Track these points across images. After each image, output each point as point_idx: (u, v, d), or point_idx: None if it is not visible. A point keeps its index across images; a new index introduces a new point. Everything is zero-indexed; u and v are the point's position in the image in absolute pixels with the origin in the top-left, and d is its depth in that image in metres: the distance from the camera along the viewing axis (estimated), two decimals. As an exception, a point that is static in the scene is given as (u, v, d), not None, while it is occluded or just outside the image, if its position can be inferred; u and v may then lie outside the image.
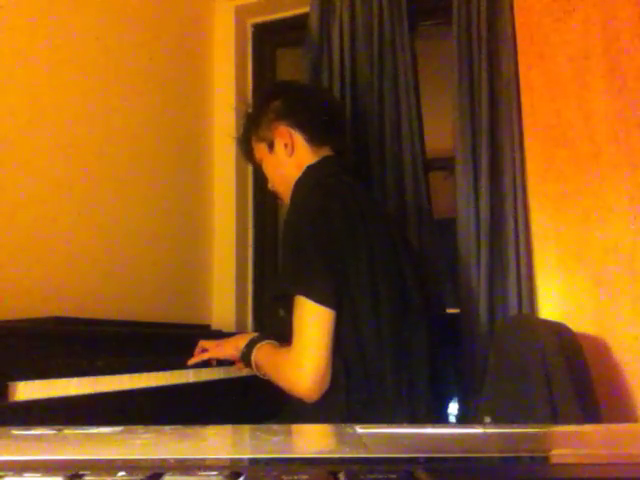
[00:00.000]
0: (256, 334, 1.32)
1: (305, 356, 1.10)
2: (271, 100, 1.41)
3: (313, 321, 1.11)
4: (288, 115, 1.37)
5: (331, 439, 0.55)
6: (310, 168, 1.33)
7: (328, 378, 1.11)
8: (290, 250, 1.21)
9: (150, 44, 1.78)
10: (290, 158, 1.36)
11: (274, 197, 1.50)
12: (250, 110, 1.47)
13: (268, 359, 1.23)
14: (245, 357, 1.27)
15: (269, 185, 1.46)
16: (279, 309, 1.29)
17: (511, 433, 0.54)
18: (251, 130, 1.44)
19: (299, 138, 1.36)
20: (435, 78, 1.95)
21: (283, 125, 1.36)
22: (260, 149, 1.42)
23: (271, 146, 1.38)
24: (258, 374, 1.26)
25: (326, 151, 1.37)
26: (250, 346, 1.27)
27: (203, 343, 1.36)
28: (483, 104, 1.68)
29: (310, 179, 1.30)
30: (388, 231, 1.30)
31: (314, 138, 1.36)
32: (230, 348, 1.32)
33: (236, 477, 0.32)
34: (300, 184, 1.31)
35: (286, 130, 1.36)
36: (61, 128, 1.44)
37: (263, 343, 1.27)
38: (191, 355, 1.33)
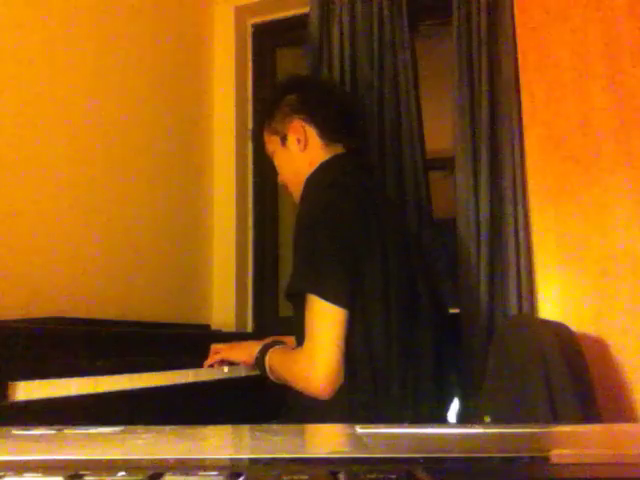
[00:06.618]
0: (269, 340, 1.32)
1: (317, 354, 1.10)
2: (287, 93, 1.39)
3: (326, 320, 1.11)
4: (303, 110, 1.35)
5: (331, 439, 0.55)
6: (323, 165, 1.31)
7: (341, 376, 1.11)
8: (303, 248, 1.19)
9: (150, 45, 1.78)
10: (302, 153, 1.34)
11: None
12: (265, 101, 1.45)
13: (281, 361, 1.24)
14: (259, 362, 1.27)
15: (279, 179, 1.45)
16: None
17: (511, 433, 0.54)
18: (264, 122, 1.42)
19: (313, 134, 1.34)
20: (435, 78, 1.95)
21: (297, 119, 1.34)
22: (272, 142, 1.40)
23: (284, 140, 1.36)
24: (273, 378, 1.26)
25: (339, 149, 1.35)
26: (263, 351, 1.27)
27: (216, 346, 1.37)
28: (483, 104, 1.68)
29: (323, 177, 1.28)
30: (402, 231, 1.29)
31: (328, 135, 1.34)
32: (243, 353, 1.33)
33: (236, 477, 0.32)
34: (313, 182, 1.29)
35: (300, 125, 1.34)
36: (62, 129, 1.44)
37: (275, 347, 1.27)
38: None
